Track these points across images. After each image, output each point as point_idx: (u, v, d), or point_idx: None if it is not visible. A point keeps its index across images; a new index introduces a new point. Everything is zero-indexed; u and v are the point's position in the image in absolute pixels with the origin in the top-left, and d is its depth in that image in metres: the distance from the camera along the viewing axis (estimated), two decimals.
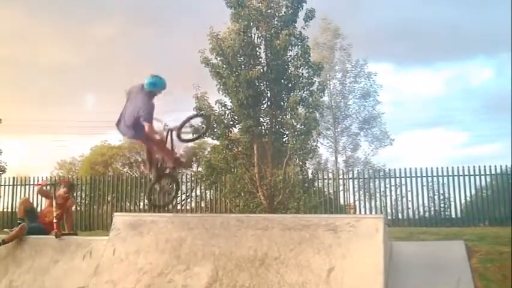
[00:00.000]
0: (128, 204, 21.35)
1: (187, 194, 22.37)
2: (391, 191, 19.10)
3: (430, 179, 18.80)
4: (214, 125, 16.32)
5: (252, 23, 16.42)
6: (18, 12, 49.95)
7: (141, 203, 22.23)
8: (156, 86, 7.78)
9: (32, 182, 20.35)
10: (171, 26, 52.96)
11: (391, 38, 48.06)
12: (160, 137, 7.88)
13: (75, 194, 22.17)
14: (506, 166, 18.34)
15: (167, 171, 8.42)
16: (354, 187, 19.81)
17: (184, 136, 8.35)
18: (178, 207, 22.77)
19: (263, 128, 16.53)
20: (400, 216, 18.82)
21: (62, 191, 9.91)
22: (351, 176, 20.68)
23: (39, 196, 19.56)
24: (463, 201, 18.70)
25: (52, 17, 53.75)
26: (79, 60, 54.68)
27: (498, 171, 18.33)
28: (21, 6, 49.65)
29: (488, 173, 18.41)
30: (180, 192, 8.29)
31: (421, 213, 18.83)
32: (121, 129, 7.85)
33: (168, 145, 8.08)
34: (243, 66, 16.29)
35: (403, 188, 18.94)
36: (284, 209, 16.06)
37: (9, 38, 50.65)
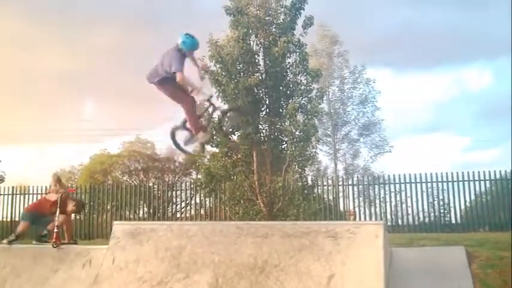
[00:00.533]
0: (128, 213, 21.33)
1: (187, 202, 22.36)
2: (390, 197, 19.07)
3: (429, 184, 18.77)
4: (213, 132, 16.33)
5: (250, 31, 16.46)
6: (17, 20, 50.06)
7: (141, 211, 22.22)
8: (185, 44, 7.99)
9: (31, 191, 20.34)
10: (170, 33, 52.97)
11: (389, 43, 48.15)
12: (192, 89, 8.29)
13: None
14: (505, 171, 18.33)
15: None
16: (353, 194, 19.79)
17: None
18: (178, 215, 22.77)
19: (262, 135, 16.54)
20: (400, 222, 18.79)
21: (71, 207, 9.87)
22: (350, 182, 20.66)
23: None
24: (462, 206, 18.68)
25: (51, 24, 53.86)
26: (78, 68, 54.70)
27: (498, 176, 18.31)
28: (20, 14, 49.76)
29: (487, 178, 18.39)
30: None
31: (421, 219, 18.79)
32: (149, 77, 8.17)
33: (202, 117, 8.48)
34: (241, 73, 16.32)
35: (403, 194, 18.91)
36: (284, 216, 16.03)
37: (9, 46, 50.76)
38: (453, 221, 18.55)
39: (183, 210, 23.07)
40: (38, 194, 20.14)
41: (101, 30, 52.31)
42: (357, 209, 20.20)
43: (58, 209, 9.49)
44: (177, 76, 7.75)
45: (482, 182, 18.46)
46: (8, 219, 19.89)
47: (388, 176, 19.73)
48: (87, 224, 20.38)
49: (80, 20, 49.35)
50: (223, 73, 16.25)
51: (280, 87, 16.41)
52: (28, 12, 50.08)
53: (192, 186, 20.99)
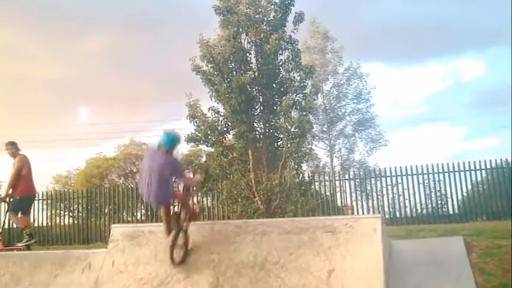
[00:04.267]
0: (125, 216, 21.32)
1: None
2: (387, 190, 19.15)
3: (426, 176, 18.84)
4: (208, 132, 16.32)
5: (241, 29, 16.43)
6: (9, 29, 49.96)
7: (138, 214, 22.20)
8: (174, 142, 7.50)
9: None
10: (161, 36, 53.08)
11: (380, 37, 48.25)
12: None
13: (72, 208, 22.16)
14: (501, 160, 18.41)
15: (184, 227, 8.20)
16: (350, 188, 19.83)
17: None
18: None
19: (257, 132, 16.51)
20: (397, 214, 18.86)
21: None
22: (347, 177, 20.71)
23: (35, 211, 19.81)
24: (459, 197, 18.73)
25: (42, 33, 53.83)
26: (72, 74, 54.77)
27: (493, 165, 18.38)
28: (12, 23, 49.68)
29: (483, 167, 18.46)
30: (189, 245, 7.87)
31: (419, 210, 18.87)
32: (153, 199, 7.54)
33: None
34: (234, 72, 16.30)
35: (400, 186, 18.99)
36: (282, 213, 16.04)
37: (2, 55, 50.73)
38: (450, 212, 18.63)
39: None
40: (35, 199, 20.09)
41: (92, 36, 52.34)
42: (354, 203, 20.25)
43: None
44: (184, 179, 8.06)
45: (478, 172, 18.54)
46: (6, 227, 19.82)
47: (385, 169, 19.80)
48: (85, 228, 20.36)
49: (71, 27, 49.37)
50: (216, 72, 16.22)
51: (274, 85, 16.40)
52: (19, 21, 50.04)
53: None
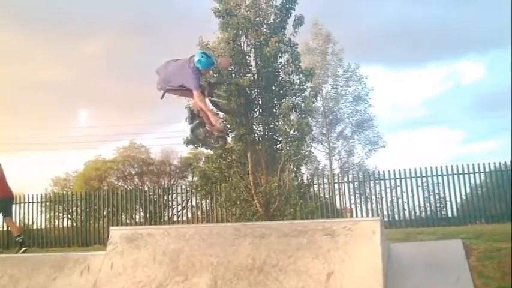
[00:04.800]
0: (124, 218, 21.30)
1: (183, 205, 22.34)
2: (386, 192, 19.12)
3: (425, 179, 18.83)
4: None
5: (241, 32, 16.46)
6: (9, 32, 50.00)
7: (137, 216, 22.20)
8: (201, 63, 7.85)
9: (27, 200, 20.26)
10: (161, 38, 53.04)
11: (381, 40, 48.23)
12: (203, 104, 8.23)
13: (70, 210, 22.14)
14: (500, 163, 18.41)
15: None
16: (349, 190, 19.83)
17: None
18: (175, 218, 22.77)
19: (256, 135, 16.53)
20: (396, 217, 18.85)
21: None
22: (346, 179, 20.70)
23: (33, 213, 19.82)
24: (458, 199, 18.73)
25: (43, 35, 53.82)
26: (71, 77, 54.70)
27: (492, 168, 18.37)
28: (12, 25, 49.71)
29: (482, 170, 18.46)
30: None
31: (418, 213, 18.86)
32: (159, 81, 8.15)
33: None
34: (233, 74, 16.33)
35: (399, 189, 18.97)
36: (281, 216, 16.04)
37: (2, 57, 50.77)
38: (449, 215, 18.63)
39: (179, 213, 23.09)
40: (34, 202, 20.16)
41: (91, 39, 52.33)
42: (353, 206, 20.24)
43: None
44: (194, 94, 7.83)
45: (477, 175, 18.54)
46: (4, 229, 19.82)
47: (384, 171, 19.81)
48: (84, 231, 20.33)
49: (70, 30, 49.36)
50: (215, 75, 16.23)
51: (273, 87, 16.43)
52: (19, 24, 50.07)
53: (188, 189, 20.98)
